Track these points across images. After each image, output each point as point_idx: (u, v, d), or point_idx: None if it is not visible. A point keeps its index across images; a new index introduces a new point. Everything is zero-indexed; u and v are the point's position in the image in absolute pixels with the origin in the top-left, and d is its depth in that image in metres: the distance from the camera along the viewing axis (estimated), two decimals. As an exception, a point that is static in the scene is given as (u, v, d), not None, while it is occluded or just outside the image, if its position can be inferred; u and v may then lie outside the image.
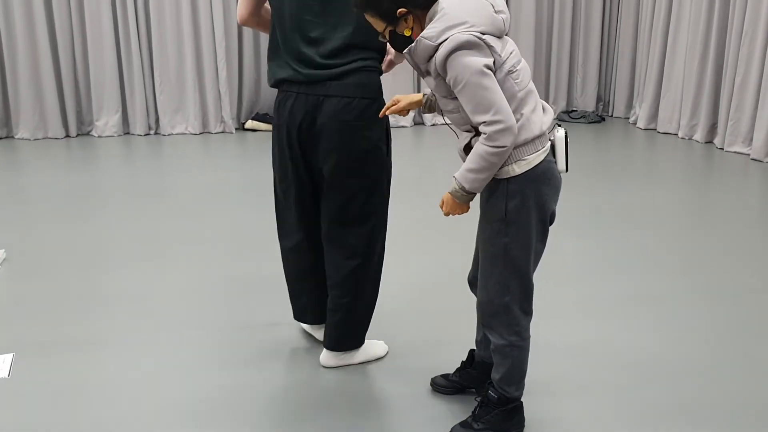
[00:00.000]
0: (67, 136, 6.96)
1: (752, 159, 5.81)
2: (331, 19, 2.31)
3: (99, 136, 6.96)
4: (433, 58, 1.94)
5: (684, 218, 4.43)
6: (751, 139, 5.94)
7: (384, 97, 2.48)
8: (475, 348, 2.48)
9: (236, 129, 7.30)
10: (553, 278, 3.49)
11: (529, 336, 2.16)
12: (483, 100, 1.89)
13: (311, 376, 2.63)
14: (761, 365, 2.68)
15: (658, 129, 7.05)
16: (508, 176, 1.99)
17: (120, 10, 6.74)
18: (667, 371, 2.64)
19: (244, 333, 2.96)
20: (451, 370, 2.56)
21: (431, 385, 2.51)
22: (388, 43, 2.15)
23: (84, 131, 7.09)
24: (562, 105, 7.94)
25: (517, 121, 1.95)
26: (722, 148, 6.19)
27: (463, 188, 1.99)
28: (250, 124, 7.27)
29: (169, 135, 7.06)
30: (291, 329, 2.96)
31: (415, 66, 2.05)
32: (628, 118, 7.73)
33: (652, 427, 2.29)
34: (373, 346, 2.74)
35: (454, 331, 2.93)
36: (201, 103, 7.11)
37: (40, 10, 6.57)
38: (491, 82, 1.89)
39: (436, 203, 4.73)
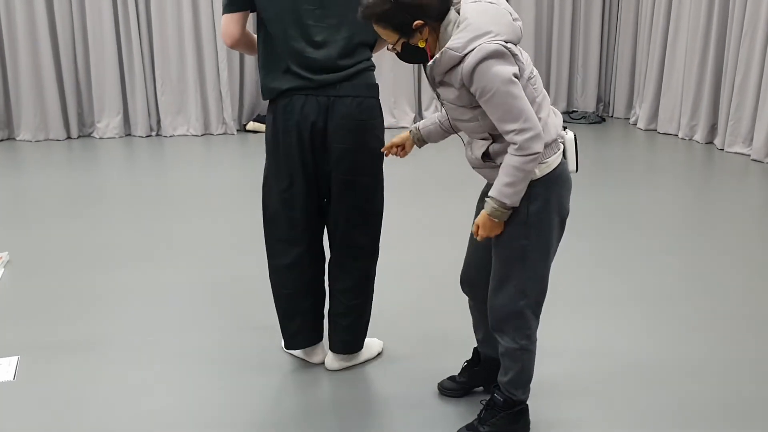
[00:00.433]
0: (69, 137, 6.97)
1: (752, 159, 5.82)
2: (332, 21, 2.32)
3: (100, 138, 6.97)
4: (458, 69, 1.93)
5: (684, 219, 4.44)
6: (752, 140, 5.95)
7: (384, 97, 2.49)
8: (477, 346, 2.50)
9: (238, 130, 7.32)
10: (553, 279, 3.49)
11: (536, 339, 2.18)
12: (512, 108, 1.90)
13: (314, 379, 2.65)
14: (762, 366, 2.69)
15: (659, 129, 7.06)
16: (530, 179, 2.00)
17: (121, 12, 6.75)
18: (667, 372, 2.65)
19: (246, 334, 2.97)
20: (455, 371, 2.57)
21: (439, 389, 2.52)
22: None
23: (85, 133, 7.10)
24: (562, 106, 7.95)
25: None
26: (722, 149, 6.20)
27: (503, 205, 1.98)
28: (251, 125, 7.28)
29: (170, 136, 7.07)
30: (295, 331, 2.97)
31: (431, 78, 2.05)
32: (629, 118, 7.75)
33: (653, 428, 2.30)
34: (371, 344, 2.77)
35: (454, 331, 2.95)
36: (202, 105, 7.12)
37: (42, 11, 6.58)
38: (519, 90, 1.90)
39: (436, 203, 4.74)
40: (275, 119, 2.40)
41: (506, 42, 1.92)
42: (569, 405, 2.44)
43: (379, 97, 2.46)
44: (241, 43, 2.41)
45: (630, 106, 7.78)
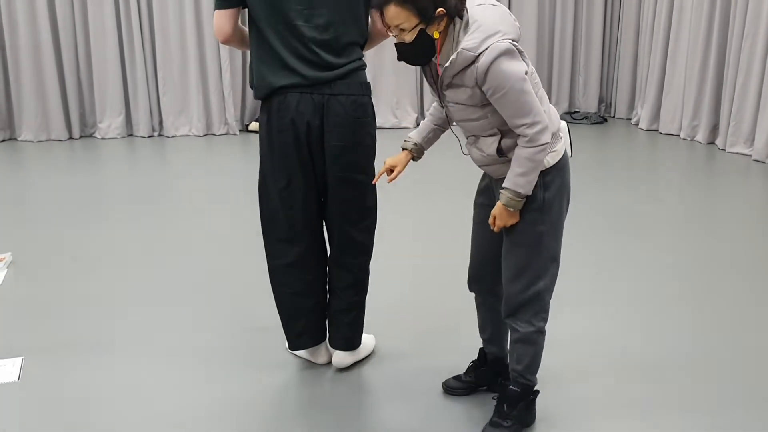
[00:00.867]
0: (71, 137, 6.97)
1: (754, 160, 5.82)
2: (320, 21, 2.32)
3: (102, 138, 6.97)
4: (472, 68, 1.98)
5: (685, 219, 4.44)
6: (753, 140, 5.95)
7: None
8: (483, 347, 2.50)
9: (240, 131, 7.32)
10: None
11: None
12: (524, 105, 1.98)
13: (317, 377, 2.65)
14: (761, 362, 2.70)
15: (660, 130, 7.06)
16: (542, 168, 2.08)
17: (123, 12, 6.75)
18: (668, 367, 2.66)
19: (250, 335, 2.97)
20: (456, 369, 2.58)
21: (444, 388, 2.53)
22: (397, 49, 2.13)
23: (87, 133, 7.10)
24: (564, 106, 7.95)
25: None
26: (724, 149, 6.20)
27: (517, 194, 2.06)
28: (253, 125, 7.28)
29: (172, 137, 7.07)
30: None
31: (440, 81, 2.07)
32: (630, 119, 7.75)
33: (641, 417, 2.32)
34: (366, 339, 2.82)
35: (456, 331, 2.95)
36: (204, 105, 7.12)
37: (44, 11, 6.58)
38: (529, 86, 1.99)
39: (437, 203, 4.74)
40: (270, 118, 2.39)
41: (514, 41, 1.99)
42: (573, 395, 2.46)
43: (371, 96, 2.48)
44: (233, 39, 2.42)
45: (632, 106, 7.78)
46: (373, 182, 2.47)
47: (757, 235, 4.12)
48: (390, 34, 2.11)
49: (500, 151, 2.10)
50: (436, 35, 2.02)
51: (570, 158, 2.19)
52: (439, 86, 2.13)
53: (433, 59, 2.10)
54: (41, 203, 4.87)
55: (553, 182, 2.11)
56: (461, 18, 2.01)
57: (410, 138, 2.42)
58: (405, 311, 3.19)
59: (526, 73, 1.98)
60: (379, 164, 2.88)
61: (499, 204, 2.10)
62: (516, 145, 2.05)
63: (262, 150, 2.46)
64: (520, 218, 2.13)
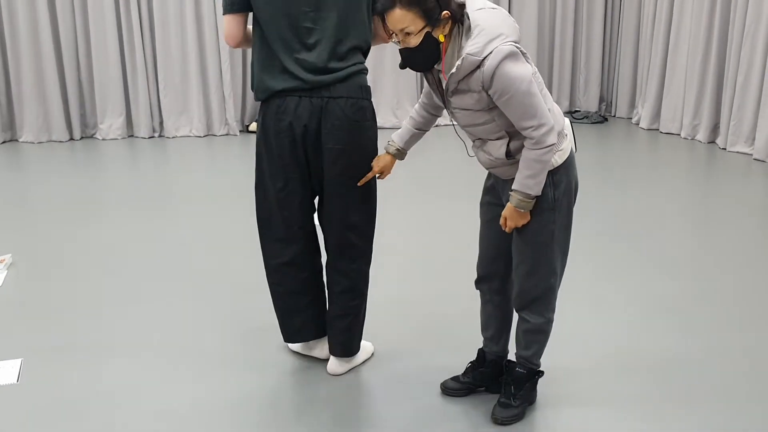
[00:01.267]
0: (72, 139, 6.98)
1: (755, 159, 5.81)
2: (326, 23, 2.32)
3: (103, 139, 6.98)
4: (477, 73, 1.99)
5: (687, 218, 4.44)
6: (754, 139, 5.94)
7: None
8: (483, 347, 2.51)
9: (240, 131, 7.32)
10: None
11: None
12: (530, 107, 2.00)
13: (314, 377, 2.65)
14: (761, 362, 2.69)
15: (661, 129, 7.05)
16: (551, 168, 2.11)
17: (124, 13, 6.76)
18: (666, 367, 2.66)
19: (249, 335, 2.97)
20: (455, 369, 2.58)
21: (442, 389, 2.53)
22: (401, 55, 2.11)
23: (88, 134, 7.11)
24: (564, 105, 7.94)
25: None
26: (725, 148, 6.19)
27: (527, 196, 2.10)
28: (254, 126, 7.29)
29: (173, 137, 7.08)
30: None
31: (445, 88, 2.08)
32: (631, 118, 7.74)
33: (642, 415, 2.32)
34: (365, 345, 2.79)
35: (455, 331, 2.95)
36: (205, 106, 7.13)
37: (44, 13, 6.59)
38: (536, 88, 2.00)
39: (439, 204, 4.74)
40: (268, 120, 2.40)
41: (515, 42, 2.00)
42: (573, 393, 2.46)
43: (372, 100, 2.47)
44: (244, 43, 2.45)
45: (632, 105, 7.78)
46: (359, 183, 2.45)
47: (758, 235, 4.12)
48: (391, 40, 2.11)
49: (509, 153, 2.12)
50: (441, 38, 2.02)
51: (575, 153, 2.22)
52: (444, 93, 2.13)
53: (437, 65, 2.11)
54: (42, 204, 4.87)
55: (562, 180, 2.15)
56: (462, 24, 2.02)
57: (393, 142, 2.46)
58: (404, 310, 3.19)
59: (532, 75, 2.00)
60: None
61: (509, 206, 2.14)
62: (523, 146, 2.08)
63: (259, 151, 2.47)
64: (533, 218, 2.17)
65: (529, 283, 2.25)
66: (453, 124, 2.28)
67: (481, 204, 2.38)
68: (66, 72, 6.82)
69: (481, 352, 2.52)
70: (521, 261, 2.24)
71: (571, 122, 2.26)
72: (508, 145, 2.11)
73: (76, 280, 3.57)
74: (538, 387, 2.46)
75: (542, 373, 2.42)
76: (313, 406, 2.47)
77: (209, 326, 3.07)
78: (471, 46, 1.97)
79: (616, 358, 2.77)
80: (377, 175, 2.47)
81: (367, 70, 2.46)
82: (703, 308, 3.19)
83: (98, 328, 3.06)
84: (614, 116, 7.95)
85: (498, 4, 2.14)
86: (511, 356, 2.51)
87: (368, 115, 2.43)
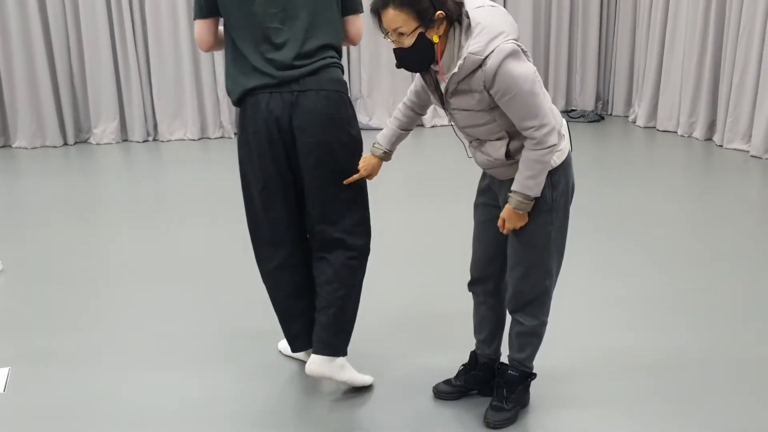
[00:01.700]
0: (65, 144, 6.95)
1: (752, 156, 5.78)
2: (294, 23, 2.32)
3: (97, 144, 6.95)
4: (479, 72, 1.96)
5: (684, 216, 4.41)
6: (750, 136, 5.91)
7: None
8: (476, 350, 2.48)
9: (235, 134, 7.29)
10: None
11: None
12: (533, 107, 1.97)
13: (310, 384, 2.62)
14: (761, 361, 2.66)
15: (658, 127, 7.02)
16: (549, 168, 2.08)
17: (116, 16, 6.73)
18: (665, 364, 2.63)
19: (244, 342, 2.94)
20: (453, 374, 2.54)
21: (434, 393, 2.50)
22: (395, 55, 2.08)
23: (82, 139, 7.08)
24: (561, 104, 7.91)
25: None
26: (721, 146, 6.16)
27: (527, 197, 2.07)
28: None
29: (167, 141, 7.05)
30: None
31: (445, 88, 2.04)
32: (628, 116, 7.71)
33: (642, 416, 2.29)
34: (361, 376, 2.60)
35: (450, 335, 2.92)
36: (199, 109, 7.10)
37: (36, 17, 6.56)
38: (538, 88, 1.98)
39: (437, 205, 4.71)
40: (244, 121, 2.39)
41: (516, 41, 1.98)
42: (571, 394, 2.44)
43: (347, 92, 2.43)
44: (215, 47, 2.47)
45: (629, 104, 7.75)
46: (345, 183, 2.39)
47: (757, 232, 4.08)
48: (386, 39, 2.08)
49: (508, 154, 2.09)
50: (436, 39, 1.99)
51: (572, 152, 2.19)
52: (443, 94, 2.10)
53: (434, 66, 2.07)
54: (34, 211, 4.84)
55: (560, 181, 2.13)
56: (460, 23, 1.99)
57: (380, 145, 2.42)
58: (397, 313, 3.15)
59: (534, 74, 1.97)
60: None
61: (508, 207, 2.11)
62: (523, 146, 2.05)
63: (241, 156, 2.45)
64: (531, 220, 2.14)
65: (524, 285, 2.22)
66: (452, 125, 2.24)
67: (476, 205, 2.35)
68: (59, 77, 6.79)
69: (473, 354, 2.49)
70: (517, 263, 2.21)
71: (567, 122, 2.24)
72: (507, 145, 2.08)
73: (68, 287, 3.54)
74: (531, 389, 2.42)
75: (535, 375, 2.38)
76: (307, 410, 2.44)
77: (204, 332, 3.03)
78: (473, 45, 1.94)
79: (611, 358, 2.73)
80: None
81: (339, 64, 2.41)
82: (701, 306, 3.16)
83: (90, 337, 3.02)
84: (611, 115, 7.92)
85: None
86: (504, 359, 2.48)
87: (341, 107, 2.37)
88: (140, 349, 2.89)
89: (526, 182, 2.05)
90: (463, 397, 2.48)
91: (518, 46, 1.96)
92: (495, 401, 2.34)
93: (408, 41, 1.99)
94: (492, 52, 1.92)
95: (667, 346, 2.82)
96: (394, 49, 2.05)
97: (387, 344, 2.88)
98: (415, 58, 2.03)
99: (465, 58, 1.94)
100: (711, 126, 6.47)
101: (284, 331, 2.64)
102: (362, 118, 7.15)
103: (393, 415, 2.40)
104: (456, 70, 1.97)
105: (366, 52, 7.24)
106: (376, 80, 7.35)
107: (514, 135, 2.08)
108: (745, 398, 2.46)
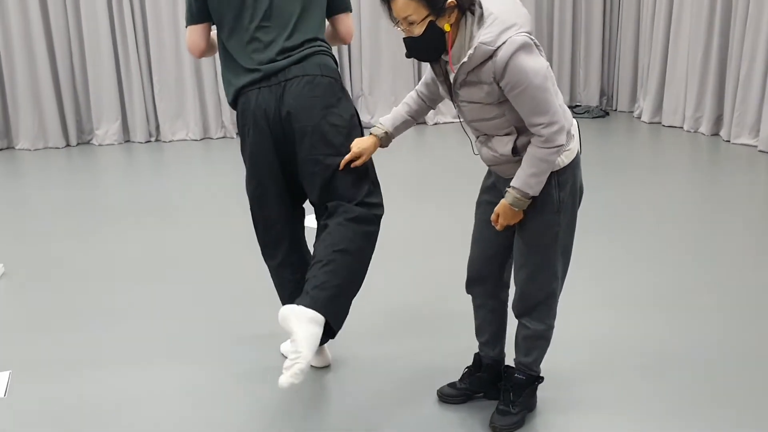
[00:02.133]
0: (68, 145, 6.94)
1: (759, 151, 5.72)
2: (280, 20, 2.34)
3: (99, 145, 6.94)
4: (489, 64, 1.92)
5: (691, 212, 4.36)
6: (758, 131, 5.84)
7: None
8: (479, 351, 2.44)
9: (237, 134, 7.25)
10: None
11: None
12: (542, 102, 1.92)
13: (311, 386, 2.59)
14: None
15: (663, 122, 6.96)
16: (557, 168, 2.05)
17: (117, 17, 6.71)
18: (672, 364, 2.59)
19: (249, 346, 2.91)
20: (457, 376, 2.51)
21: (438, 396, 2.46)
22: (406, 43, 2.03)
23: (84, 140, 7.07)
24: (565, 100, 7.79)
25: None
26: (728, 140, 6.09)
27: (526, 195, 2.02)
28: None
29: (169, 141, 7.03)
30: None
31: (453, 80, 2.01)
32: (632, 111, 7.65)
33: (649, 417, 2.25)
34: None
35: (455, 337, 2.88)
36: (201, 109, 7.07)
37: (37, 19, 6.55)
38: (549, 84, 1.93)
39: (440, 204, 4.67)
40: (240, 120, 2.39)
41: (529, 33, 1.93)
42: (579, 395, 2.40)
43: (339, 78, 2.39)
44: (207, 52, 2.49)
45: (634, 99, 7.69)
46: (340, 167, 2.32)
47: (765, 228, 4.03)
48: (396, 28, 2.03)
49: (515, 150, 2.05)
50: (447, 28, 1.94)
51: (581, 155, 2.14)
52: (452, 85, 2.05)
53: (444, 56, 2.03)
54: (37, 213, 4.82)
55: (568, 181, 2.08)
56: (473, 13, 1.94)
57: (382, 125, 2.35)
58: (404, 314, 3.12)
59: (546, 69, 1.93)
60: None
61: (503, 203, 2.06)
62: (530, 143, 2.00)
63: (242, 155, 2.47)
64: (537, 220, 2.10)
65: (531, 287, 2.18)
66: (460, 121, 2.19)
67: (479, 203, 2.30)
68: (61, 78, 6.78)
69: (477, 356, 2.45)
70: (523, 264, 2.17)
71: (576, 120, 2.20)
72: (515, 141, 2.03)
73: (70, 291, 3.52)
74: (538, 392, 2.38)
75: (542, 378, 2.34)
76: (310, 413, 2.41)
77: (207, 334, 3.00)
78: (484, 35, 1.89)
79: (619, 358, 2.69)
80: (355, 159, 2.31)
81: (326, 51, 2.39)
82: (709, 304, 3.11)
83: (92, 341, 2.99)
84: (615, 110, 7.86)
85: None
86: (509, 361, 2.43)
87: (330, 91, 2.33)
88: (143, 351, 2.87)
89: (528, 180, 2.00)
90: (469, 401, 2.44)
91: (531, 39, 1.92)
92: (501, 405, 2.30)
93: (418, 30, 1.95)
94: (504, 43, 1.88)
95: (677, 345, 2.78)
96: (404, 39, 2.01)
97: (391, 345, 2.84)
98: (425, 47, 1.99)
99: (476, 47, 1.90)
100: (717, 120, 6.40)
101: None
102: (364, 117, 7.11)
103: (398, 418, 2.36)
104: (466, 59, 1.93)
105: (367, 50, 7.20)
106: (376, 78, 7.30)
107: (522, 131, 2.03)
108: (756, 398, 2.41)
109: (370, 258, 2.36)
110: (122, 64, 6.83)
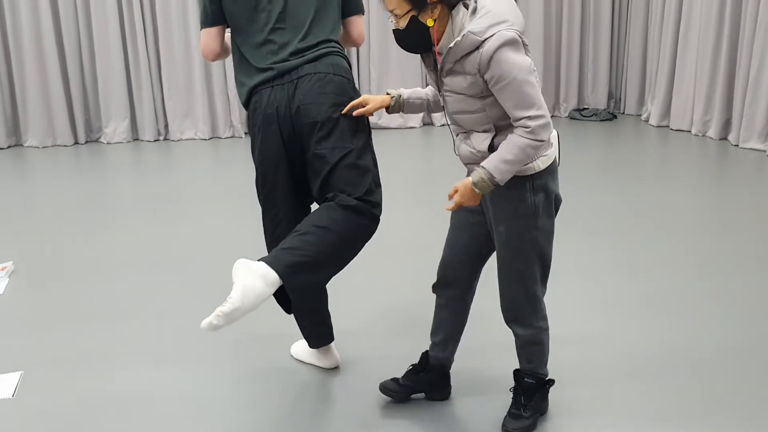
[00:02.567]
0: (76, 143, 6.96)
1: (768, 155, 5.72)
2: (295, 22, 2.35)
3: (108, 143, 6.95)
4: (475, 54, 1.94)
5: (699, 217, 4.35)
6: (767, 135, 5.83)
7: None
8: (429, 351, 2.46)
9: (245, 133, 7.27)
10: (565, 277, 3.43)
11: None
12: (527, 97, 1.93)
13: (324, 393, 2.59)
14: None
15: (671, 126, 6.95)
16: (533, 172, 2.06)
17: (127, 16, 6.73)
18: (676, 367, 2.59)
19: (257, 345, 2.92)
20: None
21: (381, 389, 2.45)
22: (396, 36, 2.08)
23: (93, 138, 7.08)
24: (573, 103, 7.85)
25: None
26: (737, 145, 6.08)
27: (491, 178, 2.00)
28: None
29: (178, 140, 7.04)
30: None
31: (440, 67, 2.03)
32: (640, 115, 7.64)
33: (649, 419, 2.25)
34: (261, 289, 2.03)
35: (464, 337, 2.88)
36: (210, 108, 7.09)
37: (47, 17, 6.57)
38: (534, 79, 1.95)
39: (443, 205, 4.67)
40: (252, 119, 2.39)
41: (519, 32, 1.96)
42: (581, 397, 2.40)
43: (352, 79, 2.41)
44: (221, 55, 2.49)
45: (642, 102, 7.68)
46: (342, 112, 2.31)
47: (773, 233, 4.03)
48: (390, 20, 2.09)
49: (492, 148, 2.06)
50: (430, 23, 1.98)
51: (558, 167, 2.16)
52: (439, 73, 2.08)
53: (433, 48, 2.06)
54: (46, 210, 4.84)
55: (543, 187, 2.10)
56: (466, 7, 1.98)
57: (401, 92, 2.35)
58: (406, 314, 3.12)
59: (532, 66, 1.95)
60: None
61: (467, 180, 2.04)
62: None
63: (252, 154, 2.47)
64: (514, 224, 2.12)
65: (514, 292, 2.20)
66: (446, 122, 2.21)
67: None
68: (70, 76, 6.80)
69: (425, 355, 2.46)
70: (502, 268, 2.20)
71: (558, 135, 2.21)
72: (492, 139, 2.06)
73: (79, 289, 3.53)
74: (550, 396, 2.39)
75: (553, 382, 2.35)
76: (318, 414, 2.42)
77: (217, 333, 3.01)
78: (473, 25, 1.93)
79: (630, 361, 2.69)
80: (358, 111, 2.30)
81: (340, 52, 2.40)
82: (717, 308, 3.11)
83: (102, 339, 3.00)
84: (623, 113, 7.85)
85: None
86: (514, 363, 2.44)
87: (341, 90, 2.33)
88: (152, 350, 2.87)
89: (499, 165, 1.97)
90: (407, 400, 2.44)
91: (520, 37, 1.94)
92: (513, 408, 2.31)
93: (402, 23, 2.02)
94: (492, 36, 1.91)
95: (685, 349, 2.78)
96: (393, 29, 2.08)
97: (393, 346, 2.84)
98: (408, 39, 2.05)
99: (464, 35, 1.93)
100: (726, 124, 6.38)
101: (299, 327, 2.68)
102: (371, 117, 7.12)
103: (407, 419, 2.37)
104: (452, 45, 1.96)
105: (375, 49, 7.21)
106: (385, 78, 7.31)
107: (501, 129, 2.05)
108: (759, 398, 2.41)
109: (355, 249, 2.25)
110: (131, 63, 6.85)
